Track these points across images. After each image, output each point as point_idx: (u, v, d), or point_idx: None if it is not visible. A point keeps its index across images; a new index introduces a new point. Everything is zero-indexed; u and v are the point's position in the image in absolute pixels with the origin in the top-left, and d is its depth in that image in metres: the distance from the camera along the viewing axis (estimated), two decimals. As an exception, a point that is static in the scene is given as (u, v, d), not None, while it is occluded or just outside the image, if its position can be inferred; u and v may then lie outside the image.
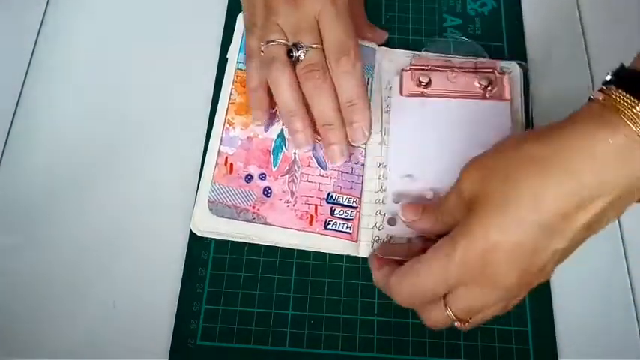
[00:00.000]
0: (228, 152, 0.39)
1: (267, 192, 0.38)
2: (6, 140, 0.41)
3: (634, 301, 0.38)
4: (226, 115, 0.40)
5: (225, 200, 0.38)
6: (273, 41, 0.37)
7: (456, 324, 0.32)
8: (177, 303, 0.37)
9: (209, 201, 0.38)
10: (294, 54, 0.37)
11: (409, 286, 0.32)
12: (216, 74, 0.43)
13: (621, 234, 0.40)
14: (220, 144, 0.39)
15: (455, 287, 0.31)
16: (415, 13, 0.47)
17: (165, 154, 0.41)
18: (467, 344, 0.36)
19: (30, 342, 0.36)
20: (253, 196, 0.38)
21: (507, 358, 0.36)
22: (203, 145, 0.41)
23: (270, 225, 0.37)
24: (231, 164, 0.39)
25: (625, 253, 0.39)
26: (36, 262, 0.38)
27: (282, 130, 0.40)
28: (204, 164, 0.39)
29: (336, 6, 0.37)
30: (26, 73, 0.44)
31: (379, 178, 0.40)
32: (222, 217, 0.37)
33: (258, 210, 0.38)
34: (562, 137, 0.29)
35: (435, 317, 0.32)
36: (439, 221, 0.34)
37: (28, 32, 0.45)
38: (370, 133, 0.38)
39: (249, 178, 0.39)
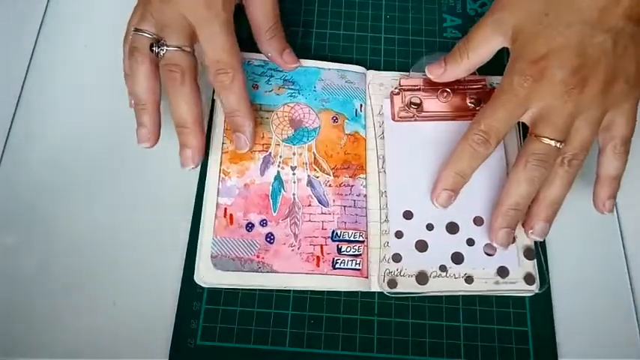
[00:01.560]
0: (226, 203, 0.38)
1: (269, 238, 0.38)
2: (6, 140, 0.41)
3: (634, 301, 0.38)
4: (221, 166, 0.39)
5: (229, 253, 0.37)
6: (142, 31, 0.37)
7: (561, 153, 0.35)
8: (177, 303, 0.37)
9: (212, 255, 0.37)
10: (154, 49, 0.36)
11: (492, 123, 0.35)
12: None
13: (621, 234, 0.40)
14: (218, 195, 0.38)
15: (530, 108, 0.35)
16: (415, 13, 0.47)
17: (165, 152, 0.41)
18: (467, 344, 0.36)
19: (30, 342, 0.36)
20: (256, 244, 0.37)
21: (507, 358, 0.36)
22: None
23: (277, 272, 0.37)
24: (231, 215, 0.38)
25: (625, 253, 0.39)
26: (35, 261, 0.38)
27: (278, 172, 0.39)
28: (203, 217, 0.38)
29: (211, 13, 0.36)
30: (26, 73, 0.44)
31: (382, 208, 0.39)
32: (227, 270, 0.37)
33: (262, 258, 0.37)
34: None
35: (535, 148, 0.35)
36: (466, 61, 0.38)
37: (28, 32, 0.45)
38: (253, 143, 0.39)
39: (250, 226, 0.38)
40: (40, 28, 0.45)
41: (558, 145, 0.35)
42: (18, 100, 0.43)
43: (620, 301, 0.38)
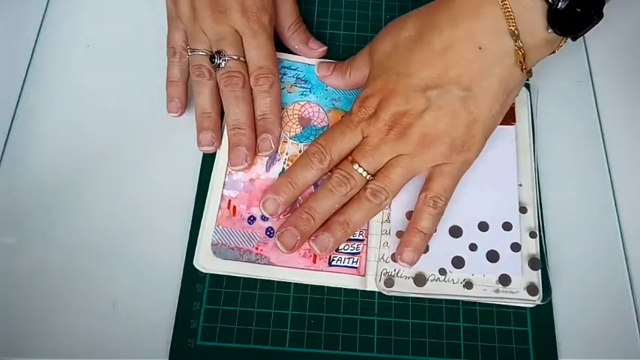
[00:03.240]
0: (231, 195, 0.39)
1: (269, 232, 0.38)
2: (6, 140, 0.41)
3: (634, 301, 0.38)
4: (229, 160, 0.40)
5: (229, 242, 0.38)
6: (199, 50, 0.40)
7: (368, 188, 0.36)
8: (177, 303, 0.37)
9: (212, 243, 0.38)
10: (216, 60, 0.39)
11: (329, 140, 0.37)
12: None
13: (621, 234, 0.40)
14: (223, 187, 0.39)
15: (360, 137, 0.37)
16: (415, 13, 0.47)
17: (165, 153, 0.41)
18: (467, 344, 0.36)
19: (30, 342, 0.36)
20: (256, 237, 0.38)
21: (507, 358, 0.36)
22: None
23: (274, 265, 0.37)
24: (234, 207, 0.39)
25: (625, 254, 0.39)
26: (36, 262, 0.38)
27: (283, 169, 0.40)
28: (207, 207, 0.39)
29: (260, 27, 0.39)
30: (26, 74, 0.44)
31: (384, 208, 0.38)
32: (226, 259, 0.37)
33: (261, 251, 0.38)
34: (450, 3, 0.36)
35: (346, 167, 0.37)
36: (347, 77, 0.41)
37: (28, 32, 0.45)
38: (277, 147, 0.40)
39: (251, 219, 0.38)
40: (40, 28, 0.45)
41: (365, 174, 0.36)
42: (18, 100, 0.43)
43: (620, 301, 0.38)
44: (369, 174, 0.36)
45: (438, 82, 0.36)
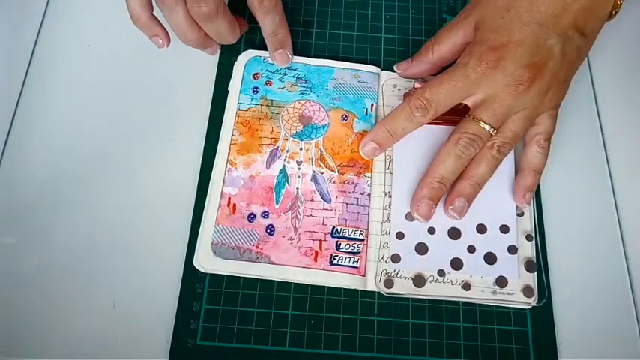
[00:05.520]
0: (231, 193, 0.39)
1: (270, 230, 0.38)
2: (6, 140, 0.41)
3: (634, 301, 0.38)
4: (228, 157, 0.40)
5: (229, 241, 0.38)
6: None
7: (492, 141, 0.37)
8: (177, 303, 0.37)
9: (212, 243, 0.37)
10: None
11: (436, 93, 0.37)
12: (217, 70, 0.44)
13: (621, 234, 0.40)
14: (223, 185, 0.39)
15: (477, 92, 0.37)
16: (415, 13, 0.47)
17: (165, 153, 0.41)
18: (467, 344, 0.36)
19: (29, 342, 0.36)
20: (256, 235, 0.38)
21: (507, 358, 0.36)
22: (204, 142, 0.41)
23: (274, 264, 0.37)
24: (234, 205, 0.39)
25: (625, 254, 0.39)
26: (35, 262, 0.38)
27: (283, 166, 0.40)
28: (207, 205, 0.39)
29: None
30: (26, 74, 0.44)
31: (385, 208, 0.39)
32: (226, 258, 0.37)
33: (261, 249, 0.38)
34: None
35: (470, 128, 0.37)
36: (431, 56, 0.41)
37: (28, 32, 0.45)
38: (292, 56, 0.43)
39: (252, 217, 0.38)
40: (40, 28, 0.45)
41: (491, 131, 0.37)
42: (18, 100, 0.43)
43: (620, 301, 0.38)
44: (493, 129, 0.37)
45: (562, 29, 0.36)
